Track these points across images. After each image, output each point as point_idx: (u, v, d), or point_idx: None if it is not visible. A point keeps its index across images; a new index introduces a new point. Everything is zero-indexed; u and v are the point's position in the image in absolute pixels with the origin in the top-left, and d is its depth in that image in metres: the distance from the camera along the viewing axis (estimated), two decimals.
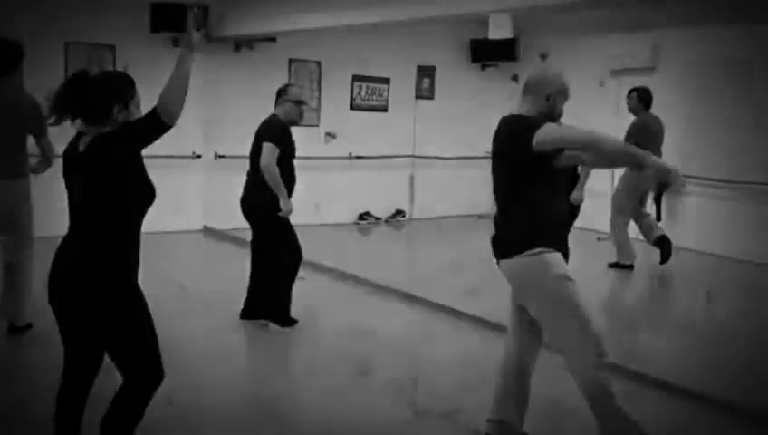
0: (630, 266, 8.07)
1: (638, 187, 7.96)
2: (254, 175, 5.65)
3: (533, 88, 3.66)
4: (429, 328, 6.23)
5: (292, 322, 5.78)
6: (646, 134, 7.69)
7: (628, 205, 8.00)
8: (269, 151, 5.49)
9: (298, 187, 5.81)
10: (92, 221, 3.06)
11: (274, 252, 5.72)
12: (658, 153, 7.82)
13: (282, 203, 5.51)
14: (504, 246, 3.62)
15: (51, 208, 5.10)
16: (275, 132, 5.56)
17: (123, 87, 3.14)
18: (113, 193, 3.03)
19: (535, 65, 3.93)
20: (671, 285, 8.49)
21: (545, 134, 3.44)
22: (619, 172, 8.32)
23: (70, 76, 3.15)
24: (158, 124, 2.97)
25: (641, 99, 7.93)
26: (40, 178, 5.45)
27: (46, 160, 5.30)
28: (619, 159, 3.78)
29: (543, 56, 7.90)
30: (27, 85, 8.49)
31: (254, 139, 5.67)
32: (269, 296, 5.74)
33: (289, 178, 5.63)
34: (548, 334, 3.62)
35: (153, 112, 2.96)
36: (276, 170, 5.48)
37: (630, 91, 8.07)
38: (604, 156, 3.66)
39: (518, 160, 3.54)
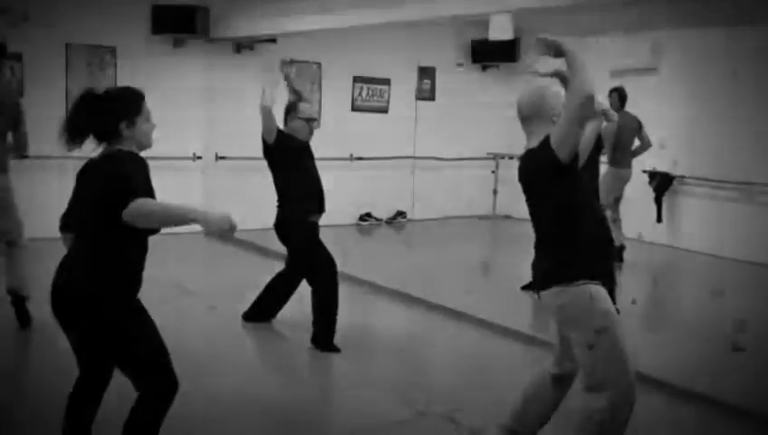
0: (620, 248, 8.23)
1: (616, 183, 8.34)
2: (279, 198, 5.54)
3: (536, 113, 3.46)
4: (429, 328, 6.23)
5: (333, 347, 5.38)
6: (625, 132, 8.13)
7: (608, 199, 8.15)
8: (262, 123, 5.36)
9: None
10: (94, 234, 3.04)
11: (307, 271, 5.54)
12: (629, 149, 8.35)
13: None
14: (545, 276, 3.45)
15: (45, 210, 5.14)
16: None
17: (128, 104, 3.12)
18: (113, 209, 2.96)
19: (522, 89, 3.65)
20: (671, 285, 8.49)
21: (558, 137, 3.25)
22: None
23: (76, 98, 3.14)
24: (117, 208, 2.90)
25: (620, 98, 8.28)
26: (36, 181, 5.51)
27: (18, 148, 5.56)
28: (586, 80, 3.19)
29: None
30: (28, 86, 8.54)
31: (266, 157, 5.50)
32: (323, 309, 5.45)
33: (314, 182, 5.51)
34: (580, 363, 3.44)
35: (124, 203, 2.87)
36: (265, 108, 5.29)
37: (611, 92, 8.30)
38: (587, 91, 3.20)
39: (547, 184, 3.37)
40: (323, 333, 5.39)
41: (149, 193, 3.02)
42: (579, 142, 3.30)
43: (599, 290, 3.38)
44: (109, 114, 3.08)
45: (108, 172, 3.02)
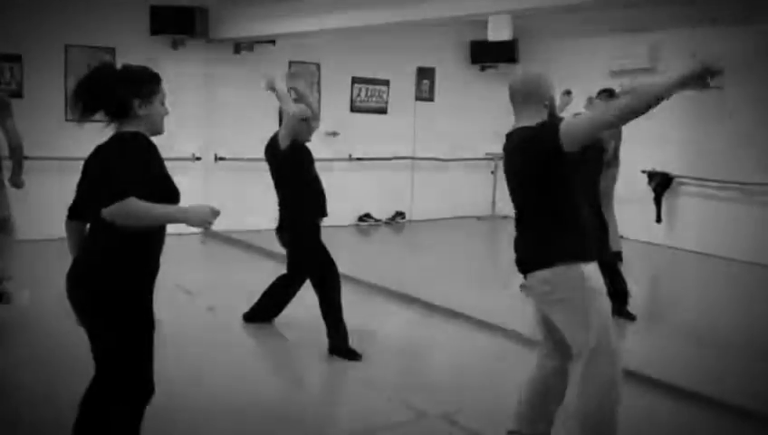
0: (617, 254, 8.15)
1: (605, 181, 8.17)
2: (280, 202, 5.50)
3: (531, 96, 3.48)
4: (429, 329, 6.23)
5: (353, 353, 5.26)
6: (615, 131, 8.01)
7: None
8: (284, 127, 5.33)
9: None
10: (103, 224, 2.90)
11: (313, 273, 5.47)
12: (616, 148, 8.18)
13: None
14: (536, 257, 3.44)
15: (44, 211, 5.14)
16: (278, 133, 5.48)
17: (143, 81, 3.05)
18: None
19: (514, 73, 3.69)
20: (670, 286, 8.49)
21: (571, 130, 3.23)
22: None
23: (90, 69, 3.05)
24: (99, 206, 2.83)
25: (610, 99, 8.16)
26: (35, 181, 5.53)
27: (15, 152, 5.63)
28: (653, 104, 3.40)
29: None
30: (28, 87, 8.55)
31: (270, 163, 5.45)
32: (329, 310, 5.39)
33: (316, 185, 5.47)
34: (571, 344, 3.46)
35: (107, 202, 2.79)
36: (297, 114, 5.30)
37: (601, 92, 8.23)
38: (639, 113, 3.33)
39: (542, 167, 3.35)
40: (341, 341, 5.30)
41: (164, 182, 2.97)
42: (587, 142, 3.31)
43: (589, 268, 3.39)
44: (125, 88, 3.00)
45: (106, 161, 2.92)
